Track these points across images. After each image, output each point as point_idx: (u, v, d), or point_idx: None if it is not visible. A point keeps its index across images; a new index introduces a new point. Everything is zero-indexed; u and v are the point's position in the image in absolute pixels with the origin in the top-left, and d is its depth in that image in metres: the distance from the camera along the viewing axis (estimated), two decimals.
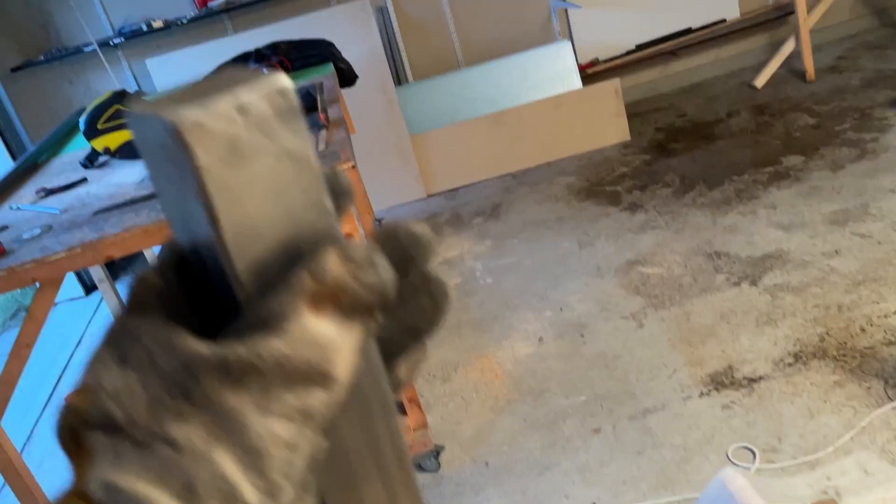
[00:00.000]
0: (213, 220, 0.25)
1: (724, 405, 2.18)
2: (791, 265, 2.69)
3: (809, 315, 2.43)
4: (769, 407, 2.13)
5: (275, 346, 0.24)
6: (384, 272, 0.26)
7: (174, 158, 0.25)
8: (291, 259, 0.27)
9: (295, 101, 0.27)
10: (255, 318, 0.25)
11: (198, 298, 0.28)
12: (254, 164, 0.26)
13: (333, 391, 0.25)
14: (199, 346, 0.24)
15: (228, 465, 0.24)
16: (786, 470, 1.92)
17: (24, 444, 3.00)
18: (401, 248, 0.28)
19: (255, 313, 0.25)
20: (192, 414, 0.24)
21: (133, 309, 0.27)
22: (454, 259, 3.38)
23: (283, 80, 0.26)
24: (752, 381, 2.24)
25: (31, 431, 3.10)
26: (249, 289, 0.26)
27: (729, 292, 2.64)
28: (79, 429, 0.24)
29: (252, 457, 0.24)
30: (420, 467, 2.25)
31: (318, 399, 0.25)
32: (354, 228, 1.99)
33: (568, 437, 2.22)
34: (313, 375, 0.25)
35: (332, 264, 0.26)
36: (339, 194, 0.29)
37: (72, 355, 3.62)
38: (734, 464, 1.96)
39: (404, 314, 0.30)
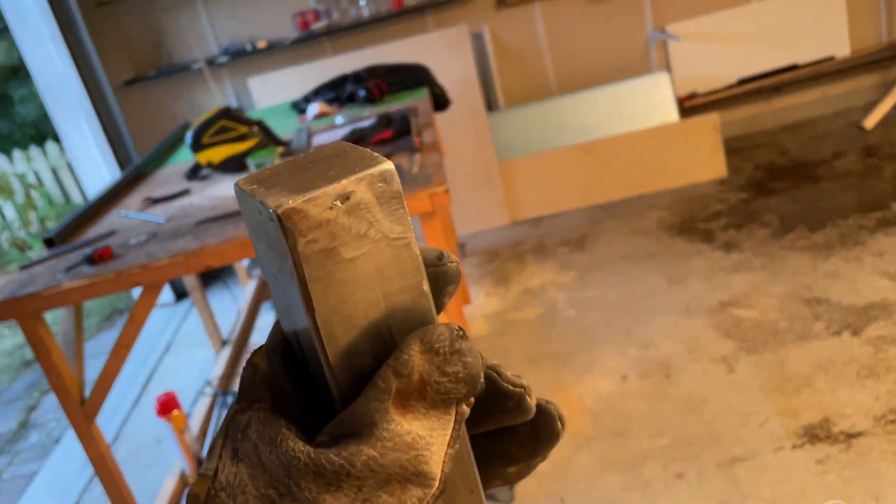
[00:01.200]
0: (309, 307, 0.26)
1: (819, 460, 2.07)
2: None
3: None
4: (868, 465, 2.01)
5: (365, 452, 0.25)
6: (471, 359, 0.26)
7: (275, 242, 0.26)
8: (385, 343, 0.27)
9: (397, 185, 0.27)
10: (346, 420, 0.26)
11: (301, 380, 0.29)
12: (352, 250, 0.26)
13: (428, 486, 0.25)
14: (298, 450, 0.25)
15: None
16: None
17: (112, 442, 3.11)
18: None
19: (347, 416, 0.26)
20: None
21: (243, 397, 0.28)
22: (536, 288, 3.35)
23: (387, 165, 0.27)
24: (850, 436, 2.12)
25: (119, 431, 3.22)
26: (341, 374, 0.27)
27: (828, 341, 2.52)
28: None
29: None
30: (494, 498, 2.22)
31: (414, 496, 0.25)
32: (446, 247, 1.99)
33: (648, 481, 2.15)
34: (407, 476, 0.25)
35: (416, 359, 0.26)
36: (443, 279, 0.29)
37: (160, 360, 3.75)
38: None
39: (501, 438, 0.30)
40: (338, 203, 0.26)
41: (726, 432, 2.24)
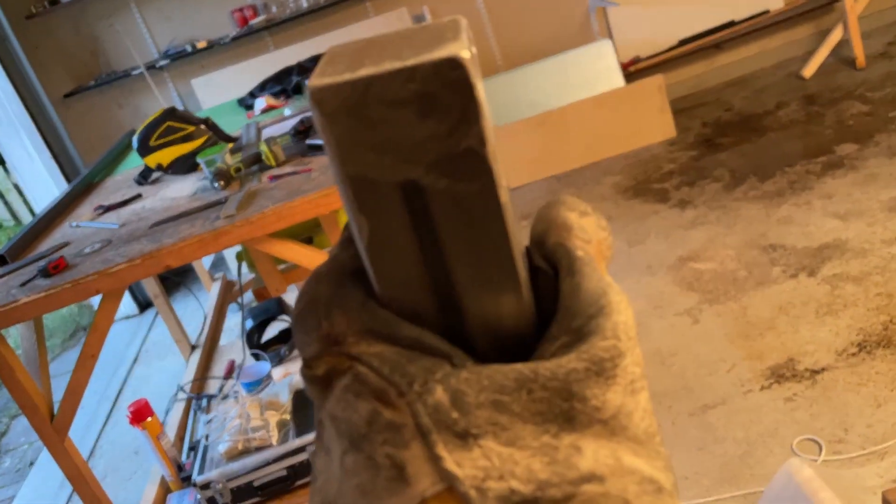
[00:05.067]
0: (487, 163, 0.21)
1: (787, 398, 2.12)
2: (850, 254, 2.62)
3: (871, 304, 2.36)
4: (833, 398, 2.07)
5: (619, 321, 0.23)
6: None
7: (446, 110, 0.20)
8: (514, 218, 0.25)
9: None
10: (579, 307, 0.23)
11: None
12: (489, 113, 0.22)
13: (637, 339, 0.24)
14: (564, 363, 0.22)
15: (642, 465, 0.22)
16: (854, 461, 1.86)
17: (88, 458, 3.06)
18: None
19: (573, 305, 0.23)
20: (585, 437, 0.21)
21: (406, 384, 0.22)
22: None
23: (463, 18, 0.23)
24: (814, 372, 2.18)
25: (94, 446, 3.17)
26: (520, 262, 0.23)
27: (786, 284, 2.58)
28: None
29: (644, 444, 0.22)
30: None
31: (640, 354, 0.23)
32: None
33: None
34: (635, 332, 0.23)
35: (585, 223, 0.25)
36: None
37: (129, 371, 3.70)
38: (800, 456, 1.90)
39: None
40: (473, 49, 0.21)
41: (696, 381, 2.29)
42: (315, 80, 0.21)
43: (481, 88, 0.21)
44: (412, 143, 0.21)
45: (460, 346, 0.23)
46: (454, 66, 0.20)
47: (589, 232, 0.25)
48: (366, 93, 0.20)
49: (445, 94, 0.20)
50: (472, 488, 0.20)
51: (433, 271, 0.23)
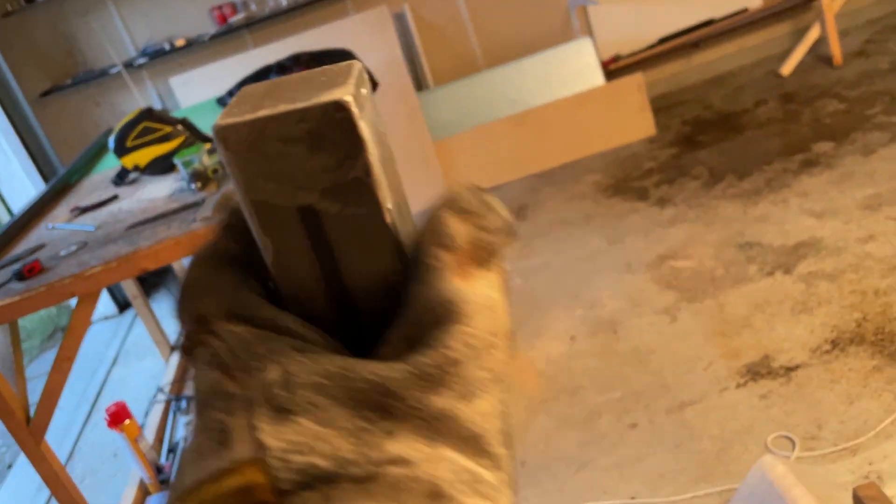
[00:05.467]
0: (372, 190, 0.24)
1: (762, 395, 2.15)
2: (825, 252, 2.65)
3: (846, 301, 2.39)
4: (807, 395, 2.10)
5: (458, 330, 0.24)
6: (499, 206, 0.26)
7: (333, 145, 0.23)
8: (402, 213, 0.27)
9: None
10: (418, 314, 0.24)
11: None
12: (382, 138, 0.25)
13: (510, 343, 0.25)
14: (389, 367, 0.23)
15: (460, 458, 0.23)
16: (826, 457, 1.89)
17: (67, 461, 3.05)
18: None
19: (415, 312, 0.24)
20: (401, 427, 0.23)
21: (252, 354, 0.24)
22: None
23: (358, 62, 0.27)
24: (789, 369, 2.21)
25: (73, 449, 3.15)
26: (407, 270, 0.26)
27: (762, 282, 2.61)
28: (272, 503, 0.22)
29: (473, 443, 0.24)
30: None
31: (500, 359, 0.25)
32: None
33: (604, 434, 2.20)
34: (493, 341, 0.24)
35: (457, 227, 0.25)
36: None
37: (108, 373, 3.67)
38: (774, 453, 1.93)
39: None
40: (362, 91, 0.24)
41: (674, 379, 2.31)
42: (220, 120, 0.24)
43: (365, 126, 0.24)
44: (306, 173, 0.24)
45: (358, 345, 0.26)
46: (339, 109, 0.23)
47: (458, 239, 0.25)
48: (263, 131, 0.24)
49: (332, 132, 0.23)
50: (275, 458, 0.22)
51: (330, 282, 0.26)
